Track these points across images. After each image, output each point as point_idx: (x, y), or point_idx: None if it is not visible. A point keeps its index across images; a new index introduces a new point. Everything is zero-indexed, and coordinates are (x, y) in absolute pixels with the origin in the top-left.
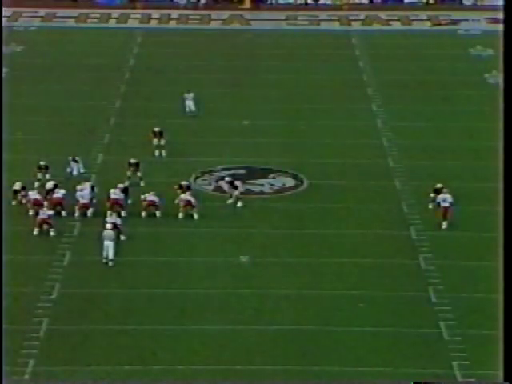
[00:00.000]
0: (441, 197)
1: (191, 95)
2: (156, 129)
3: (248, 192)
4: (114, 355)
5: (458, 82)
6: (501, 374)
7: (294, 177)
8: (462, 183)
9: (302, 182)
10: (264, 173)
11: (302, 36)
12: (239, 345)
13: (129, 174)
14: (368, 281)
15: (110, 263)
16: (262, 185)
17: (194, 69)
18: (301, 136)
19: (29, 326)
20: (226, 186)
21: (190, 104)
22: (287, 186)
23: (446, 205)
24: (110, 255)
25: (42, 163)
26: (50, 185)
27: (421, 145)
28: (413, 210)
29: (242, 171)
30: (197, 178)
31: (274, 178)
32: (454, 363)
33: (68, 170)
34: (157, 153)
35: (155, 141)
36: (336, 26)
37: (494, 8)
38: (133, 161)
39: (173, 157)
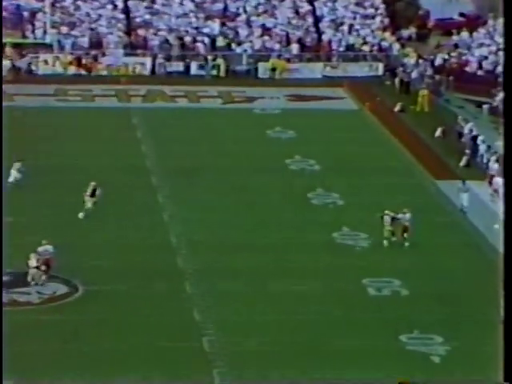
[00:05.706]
0: (400, 216)
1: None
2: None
3: (12, 303)
4: None
5: (255, 168)
6: None
7: (67, 283)
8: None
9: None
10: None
11: (74, 114)
12: None
13: None
14: None
15: None
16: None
17: None
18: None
19: None
20: None
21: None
22: (58, 294)
23: (406, 223)
24: None
25: None
26: None
27: (214, 242)
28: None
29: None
30: None
31: (42, 284)
32: None
33: None
34: None
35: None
36: (114, 102)
37: (295, 83)
38: None
39: None
